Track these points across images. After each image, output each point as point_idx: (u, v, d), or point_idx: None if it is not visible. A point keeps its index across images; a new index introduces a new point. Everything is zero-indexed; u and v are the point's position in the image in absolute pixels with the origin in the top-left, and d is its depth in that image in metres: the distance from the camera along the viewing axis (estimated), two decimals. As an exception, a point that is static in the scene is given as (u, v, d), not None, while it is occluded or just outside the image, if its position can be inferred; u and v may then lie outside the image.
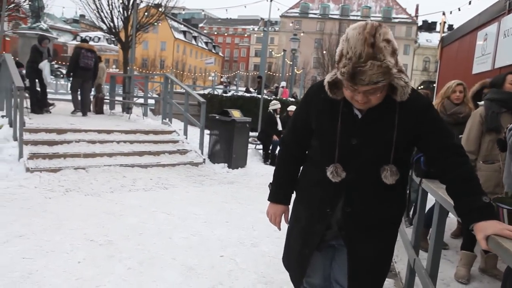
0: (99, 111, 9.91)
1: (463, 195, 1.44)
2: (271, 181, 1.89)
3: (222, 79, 44.73)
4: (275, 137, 8.69)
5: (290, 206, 1.87)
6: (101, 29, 14.02)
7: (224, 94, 14.43)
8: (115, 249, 3.38)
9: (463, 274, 3.32)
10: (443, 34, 6.78)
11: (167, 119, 8.76)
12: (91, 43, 10.59)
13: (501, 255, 1.30)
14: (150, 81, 12.03)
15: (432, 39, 57.07)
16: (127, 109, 10.23)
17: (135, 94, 11.82)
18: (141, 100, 10.56)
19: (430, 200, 2.55)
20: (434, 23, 60.24)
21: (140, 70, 40.07)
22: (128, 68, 11.14)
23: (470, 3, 6.01)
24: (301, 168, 1.80)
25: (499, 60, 4.55)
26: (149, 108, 10.37)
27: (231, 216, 4.61)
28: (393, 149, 1.49)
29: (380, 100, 1.47)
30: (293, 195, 1.84)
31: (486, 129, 3.30)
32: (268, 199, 1.87)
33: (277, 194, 1.85)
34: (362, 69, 1.34)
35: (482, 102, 3.47)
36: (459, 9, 6.61)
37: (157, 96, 13.33)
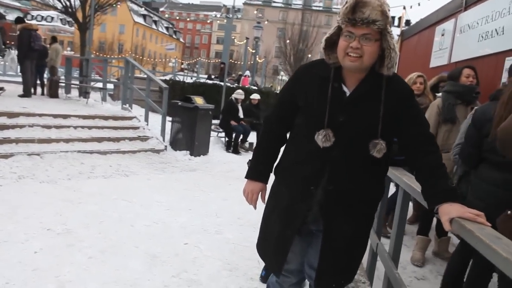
0: (53, 94, 9.40)
1: (431, 179, 1.52)
2: (250, 159, 1.87)
3: (183, 66, 43.89)
4: (233, 122, 8.66)
5: (269, 187, 1.83)
6: (55, 8, 13.23)
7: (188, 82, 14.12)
8: (75, 238, 3.25)
9: (418, 258, 3.51)
10: (403, 28, 7.00)
11: (127, 104, 8.47)
12: (43, 23, 10.01)
13: (464, 236, 1.37)
14: (109, 65, 11.55)
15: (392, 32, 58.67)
16: (84, 93, 9.77)
17: (92, 78, 11.33)
18: (100, 85, 10.14)
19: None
20: (393, 17, 62.06)
21: (97, 53, 38.42)
22: (86, 50, 10.60)
23: (429, -1, 6.23)
24: (283, 149, 1.78)
25: (455, 55, 4.76)
26: (108, 93, 9.96)
27: (194, 203, 4.57)
28: (380, 125, 1.51)
29: (371, 59, 1.49)
30: (272, 178, 1.82)
31: (442, 120, 3.49)
32: (246, 177, 1.84)
33: (256, 171, 1.82)
34: (364, 1, 1.41)
35: (440, 94, 3.68)
36: (419, 4, 6.87)
37: (116, 80, 12.84)
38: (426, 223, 3.66)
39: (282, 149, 1.81)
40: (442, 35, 5.19)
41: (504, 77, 3.54)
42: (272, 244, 1.76)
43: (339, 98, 1.55)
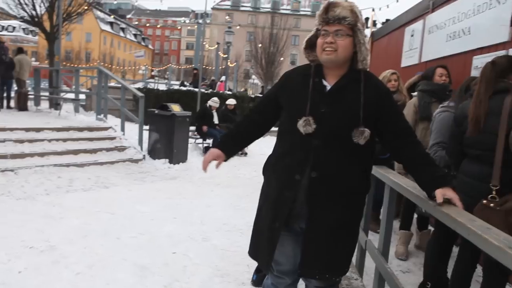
0: (22, 107, 9.12)
1: (427, 167, 1.67)
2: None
3: (153, 73, 43.29)
4: (204, 128, 8.62)
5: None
6: (17, 17, 12.76)
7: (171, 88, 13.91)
8: (59, 254, 3.17)
9: (402, 252, 3.62)
10: (373, 29, 7.21)
11: (102, 115, 8.32)
12: (4, 33, 9.71)
13: (457, 228, 1.47)
14: (81, 75, 11.30)
15: (363, 30, 59.92)
16: (55, 105, 9.53)
17: (62, 89, 11.02)
18: (71, 95, 9.90)
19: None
20: (366, 19, 63.34)
21: (65, 63, 37.36)
22: (55, 61, 10.32)
23: (397, 1, 6.44)
24: (271, 152, 1.85)
25: (425, 55, 4.92)
26: (80, 103, 9.73)
27: (178, 212, 4.54)
28: (361, 114, 1.61)
29: (345, 53, 1.63)
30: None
31: (419, 118, 3.60)
32: (212, 146, 1.96)
33: (222, 141, 1.93)
34: (335, 2, 1.62)
35: (416, 93, 3.78)
36: (387, 6, 7.10)
37: (89, 91, 12.55)
38: (407, 218, 3.77)
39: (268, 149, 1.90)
40: (412, 35, 5.37)
41: (473, 75, 3.70)
42: (262, 239, 1.79)
43: (320, 91, 1.67)
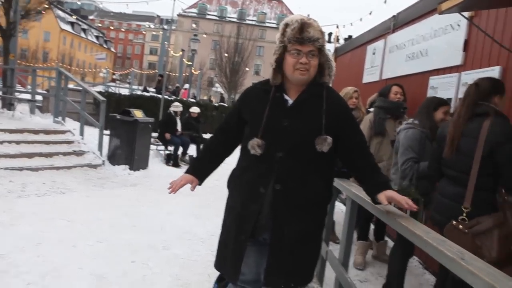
0: (-28, 106, 8.61)
1: (373, 174, 1.75)
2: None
3: (114, 76, 42.22)
4: (167, 136, 8.52)
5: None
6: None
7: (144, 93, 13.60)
8: (9, 263, 2.99)
9: (360, 262, 3.73)
10: (337, 45, 7.44)
11: (60, 117, 7.99)
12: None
13: (413, 239, 1.54)
14: (38, 75, 10.81)
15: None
16: (8, 105, 9.05)
17: (17, 89, 10.50)
18: (27, 96, 9.44)
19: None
20: (329, 34, 65.16)
21: (20, 62, 35.64)
22: (10, 59, 9.82)
23: (361, 19, 6.72)
24: (236, 165, 1.87)
25: (385, 72, 5.14)
26: (36, 105, 9.30)
27: (137, 219, 4.42)
28: (323, 124, 1.66)
29: (315, 72, 1.70)
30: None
31: (374, 133, 3.74)
32: (184, 173, 1.94)
33: (193, 166, 1.96)
34: (308, 23, 1.65)
35: (372, 109, 3.94)
36: (351, 24, 7.40)
37: (46, 92, 12.02)
38: (364, 229, 3.89)
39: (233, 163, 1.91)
40: (374, 53, 5.59)
41: (429, 94, 3.91)
42: (228, 251, 1.79)
43: (282, 106, 1.71)
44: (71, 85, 10.20)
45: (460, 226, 2.02)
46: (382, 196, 1.66)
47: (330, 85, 1.84)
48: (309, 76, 1.68)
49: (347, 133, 1.74)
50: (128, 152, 7.01)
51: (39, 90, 11.75)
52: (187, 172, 1.93)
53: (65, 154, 6.56)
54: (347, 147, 1.75)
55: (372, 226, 4.02)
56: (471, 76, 3.28)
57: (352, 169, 1.81)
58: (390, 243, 4.28)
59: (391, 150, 3.61)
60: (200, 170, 1.93)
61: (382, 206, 1.75)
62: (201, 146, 8.57)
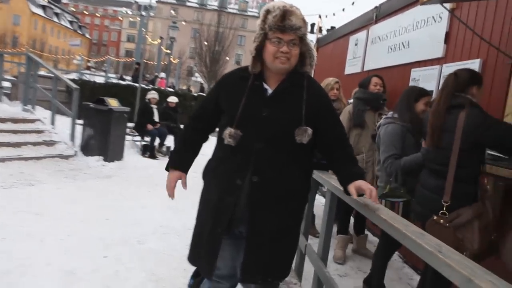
0: None
1: (347, 164, 1.75)
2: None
3: (89, 64, 41.27)
4: (149, 127, 8.43)
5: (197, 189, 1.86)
6: None
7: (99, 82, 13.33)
8: (-29, 259, 2.88)
9: (340, 256, 3.75)
10: (319, 36, 7.43)
11: (30, 105, 7.74)
12: None
13: (392, 232, 1.54)
14: (6, 61, 10.41)
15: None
16: (-28, 92, 8.68)
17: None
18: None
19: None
20: (312, 25, 65.45)
21: (-14, 46, 34.37)
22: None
23: (343, 10, 6.71)
24: (211, 156, 1.86)
25: (367, 63, 5.16)
26: (4, 92, 8.97)
27: (111, 213, 4.33)
28: (303, 114, 1.65)
29: (296, 61, 1.68)
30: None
31: (353, 125, 3.76)
32: (165, 168, 1.93)
33: (174, 160, 1.92)
34: (290, 10, 1.62)
35: (351, 101, 3.96)
36: (333, 14, 7.42)
37: (15, 78, 11.61)
38: (344, 223, 3.91)
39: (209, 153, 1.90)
40: (356, 44, 5.60)
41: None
42: (203, 245, 1.77)
43: (261, 95, 1.70)
44: (42, 72, 9.88)
45: (441, 221, 2.05)
46: (352, 186, 1.66)
47: (311, 75, 1.82)
48: (289, 65, 1.66)
49: (327, 125, 1.74)
50: (102, 143, 6.85)
51: (7, 77, 11.36)
52: (169, 167, 1.91)
53: (34, 144, 6.36)
54: (327, 138, 1.76)
55: (352, 220, 4.04)
56: (452, 69, 3.27)
57: (329, 160, 1.81)
58: (371, 237, 4.36)
59: (370, 142, 3.66)
60: (182, 163, 1.91)
61: (361, 199, 1.75)
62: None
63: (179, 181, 1.91)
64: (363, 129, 3.74)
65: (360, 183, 1.65)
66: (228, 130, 1.65)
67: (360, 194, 1.66)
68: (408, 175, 2.69)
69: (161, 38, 25.55)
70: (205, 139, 1.94)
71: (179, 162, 1.91)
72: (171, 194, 1.90)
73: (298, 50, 1.67)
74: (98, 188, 5.35)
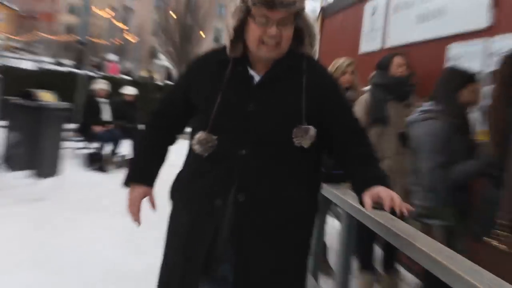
0: None
1: (364, 165, 1.71)
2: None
3: (14, 44, 40.95)
4: (97, 129, 8.50)
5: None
6: None
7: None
8: None
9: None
10: (324, 3, 7.41)
11: None
12: None
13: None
14: None
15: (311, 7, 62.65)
16: None
17: None
18: None
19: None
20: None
21: None
22: None
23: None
24: (181, 167, 1.88)
25: (389, 38, 5.15)
26: None
27: (43, 251, 4.24)
28: (304, 108, 1.65)
29: (288, 44, 1.68)
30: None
31: (371, 120, 3.74)
32: (123, 183, 1.93)
33: (134, 172, 1.93)
34: None
35: (367, 88, 4.00)
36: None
37: None
38: (368, 255, 3.85)
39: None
40: (373, 13, 5.60)
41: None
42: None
43: (246, 84, 1.71)
44: None
45: (499, 244, 2.10)
46: (366, 195, 1.60)
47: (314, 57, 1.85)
48: (279, 51, 1.67)
49: (336, 121, 1.74)
50: (31, 152, 6.81)
51: None
52: (129, 182, 1.91)
53: None
54: (337, 138, 1.76)
55: (378, 250, 4.00)
56: (503, 44, 3.28)
57: (342, 166, 1.81)
58: (405, 274, 4.26)
59: (396, 143, 3.63)
60: (146, 174, 1.92)
61: (382, 214, 1.72)
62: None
63: (145, 200, 1.91)
64: (386, 126, 3.72)
65: (378, 189, 1.59)
66: (198, 135, 1.65)
67: (379, 206, 1.58)
68: (458, 190, 2.69)
69: (113, 8, 25.56)
70: (172, 141, 1.96)
71: (142, 174, 1.91)
72: (136, 219, 1.90)
73: (292, 30, 1.67)
74: (24, 215, 5.24)
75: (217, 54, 1.79)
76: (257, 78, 1.72)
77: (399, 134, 3.53)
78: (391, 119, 3.71)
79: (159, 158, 1.93)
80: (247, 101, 1.67)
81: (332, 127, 1.74)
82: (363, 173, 1.69)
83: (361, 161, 1.72)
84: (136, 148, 2.07)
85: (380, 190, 1.58)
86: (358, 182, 1.71)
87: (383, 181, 1.64)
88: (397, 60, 3.82)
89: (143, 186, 1.89)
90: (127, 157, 8.58)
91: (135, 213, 1.89)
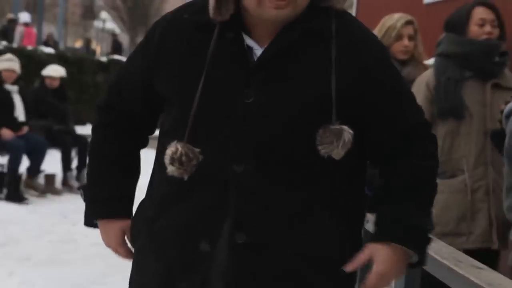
0: None
1: (390, 205, 1.69)
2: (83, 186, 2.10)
3: None
4: (6, 133, 8.56)
5: None
6: None
7: None
8: None
9: None
10: None
11: None
12: None
13: None
14: None
15: None
16: None
17: None
18: None
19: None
20: None
21: None
22: None
23: None
24: (146, 193, 1.88)
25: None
26: None
27: None
28: (333, 96, 1.59)
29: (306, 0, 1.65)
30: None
31: (438, 112, 3.78)
32: (85, 223, 1.98)
33: (99, 204, 1.92)
34: None
35: (431, 61, 4.08)
36: None
37: None
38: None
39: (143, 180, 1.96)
40: None
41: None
42: None
43: (241, 61, 1.66)
44: None
45: None
46: (364, 252, 1.67)
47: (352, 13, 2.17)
48: (294, 9, 1.61)
49: (381, 116, 1.70)
50: None
51: None
52: (98, 217, 1.92)
53: None
54: (379, 146, 1.75)
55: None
56: None
57: (381, 175, 1.81)
58: None
59: (480, 147, 3.72)
60: (118, 205, 1.91)
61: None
62: (81, 154, 9.16)
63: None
64: (462, 119, 3.72)
65: (375, 250, 1.64)
66: (173, 148, 1.60)
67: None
68: None
69: None
70: (144, 143, 1.99)
71: (108, 204, 1.90)
72: (127, 255, 1.93)
73: None
74: None
75: (195, 13, 1.73)
76: (258, 51, 1.66)
77: (485, 133, 3.63)
78: (470, 110, 3.71)
79: (131, 171, 1.95)
80: (244, 89, 1.62)
81: (373, 125, 1.71)
82: (385, 212, 1.71)
83: (395, 188, 1.71)
84: (92, 163, 2.00)
85: (380, 255, 1.62)
86: (379, 223, 1.74)
87: (406, 237, 1.64)
88: (479, 11, 3.82)
89: (115, 220, 1.90)
90: (55, 178, 8.69)
91: (123, 251, 1.93)
